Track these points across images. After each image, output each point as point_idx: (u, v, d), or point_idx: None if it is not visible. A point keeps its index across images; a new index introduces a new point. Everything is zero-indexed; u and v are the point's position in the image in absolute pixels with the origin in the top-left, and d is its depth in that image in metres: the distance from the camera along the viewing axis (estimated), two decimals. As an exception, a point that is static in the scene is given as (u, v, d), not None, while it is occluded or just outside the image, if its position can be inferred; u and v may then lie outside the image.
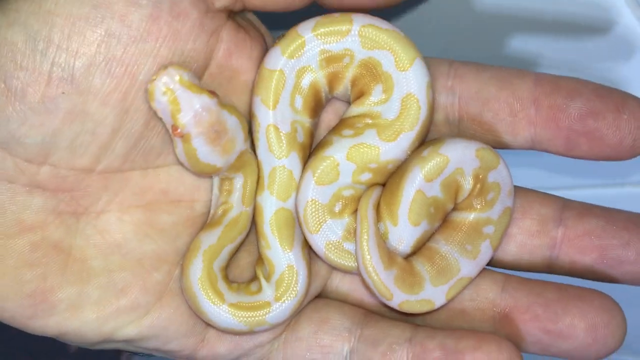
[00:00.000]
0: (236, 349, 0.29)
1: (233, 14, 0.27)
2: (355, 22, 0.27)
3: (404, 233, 0.28)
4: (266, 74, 0.27)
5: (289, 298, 0.28)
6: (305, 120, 0.28)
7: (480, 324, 0.29)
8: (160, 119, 0.26)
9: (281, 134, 0.28)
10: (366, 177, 0.28)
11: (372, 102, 0.28)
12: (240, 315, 0.28)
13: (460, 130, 0.29)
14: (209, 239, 0.28)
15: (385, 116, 0.27)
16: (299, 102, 0.28)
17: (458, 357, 0.26)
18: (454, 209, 0.29)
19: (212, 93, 0.26)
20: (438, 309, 0.28)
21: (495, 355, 0.26)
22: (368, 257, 0.27)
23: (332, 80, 0.28)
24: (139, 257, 0.28)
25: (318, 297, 0.30)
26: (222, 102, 0.27)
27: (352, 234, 0.28)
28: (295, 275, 0.28)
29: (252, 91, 0.28)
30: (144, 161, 0.27)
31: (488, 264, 0.29)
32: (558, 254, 0.29)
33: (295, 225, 0.28)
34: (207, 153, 0.26)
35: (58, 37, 0.24)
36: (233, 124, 0.27)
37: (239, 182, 0.28)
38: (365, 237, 0.27)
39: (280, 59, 0.27)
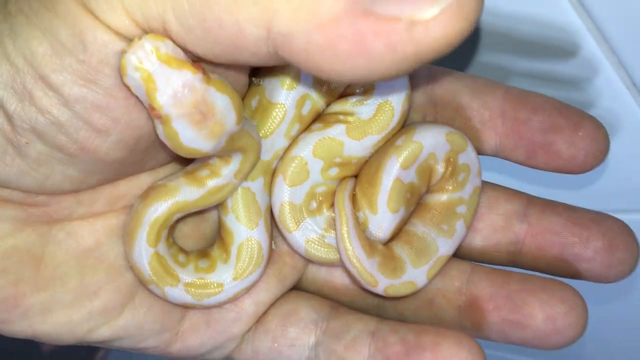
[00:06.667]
0: (209, 342, 0.29)
1: None
2: None
3: (383, 221, 0.28)
4: (267, 105, 0.27)
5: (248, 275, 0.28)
6: None
7: (447, 312, 0.30)
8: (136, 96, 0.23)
9: None
10: (334, 171, 0.28)
11: (350, 102, 0.28)
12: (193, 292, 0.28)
13: None
14: (190, 194, 0.26)
15: (358, 116, 0.28)
16: (297, 129, 0.28)
17: (418, 351, 0.27)
18: (427, 191, 0.30)
19: (197, 67, 0.22)
20: (421, 290, 0.29)
21: (455, 350, 0.26)
22: (350, 248, 0.28)
23: (327, 97, 0.28)
24: (112, 259, 0.27)
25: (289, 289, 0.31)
26: (210, 77, 0.22)
27: (332, 227, 0.29)
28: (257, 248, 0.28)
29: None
30: (115, 178, 0.26)
31: (457, 255, 0.30)
32: (521, 249, 0.30)
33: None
34: (190, 137, 0.22)
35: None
36: (222, 103, 0.23)
37: (237, 159, 0.26)
38: (345, 229, 0.28)
39: (280, 92, 0.27)
